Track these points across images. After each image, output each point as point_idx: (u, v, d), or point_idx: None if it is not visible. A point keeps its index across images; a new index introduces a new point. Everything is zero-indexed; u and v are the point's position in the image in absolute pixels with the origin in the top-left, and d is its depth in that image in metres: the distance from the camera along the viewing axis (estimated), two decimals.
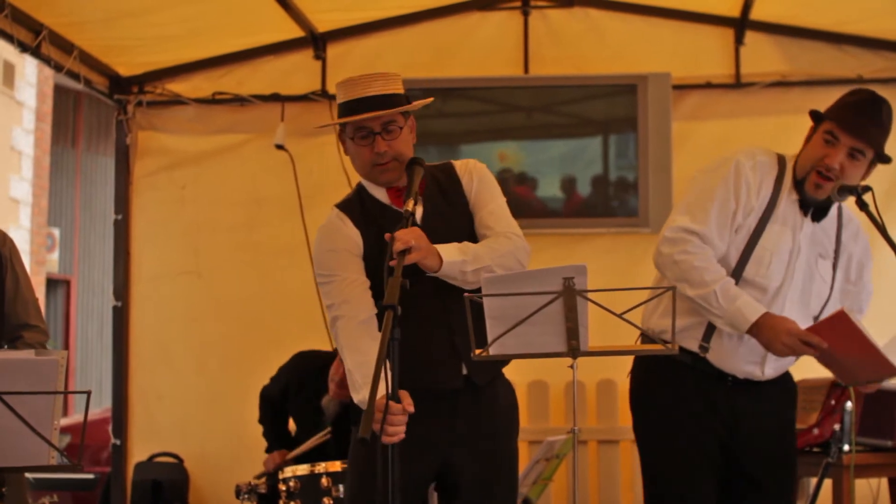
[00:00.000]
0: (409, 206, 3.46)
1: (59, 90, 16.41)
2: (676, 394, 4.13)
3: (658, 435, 4.18)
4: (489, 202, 3.81)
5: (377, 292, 3.66)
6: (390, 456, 3.13)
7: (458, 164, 3.88)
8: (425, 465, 3.68)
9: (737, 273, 4.04)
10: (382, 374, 3.02)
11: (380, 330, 3.48)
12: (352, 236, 3.73)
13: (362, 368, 3.54)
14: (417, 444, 3.44)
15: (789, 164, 4.13)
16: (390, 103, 3.66)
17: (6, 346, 4.39)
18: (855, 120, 4.00)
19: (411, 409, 3.28)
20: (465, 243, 3.65)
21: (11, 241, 4.45)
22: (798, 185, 4.07)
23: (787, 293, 4.08)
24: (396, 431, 3.22)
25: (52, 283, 17.65)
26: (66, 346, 17.66)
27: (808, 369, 5.47)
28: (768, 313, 3.93)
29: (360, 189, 3.85)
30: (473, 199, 3.81)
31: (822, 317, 4.14)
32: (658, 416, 4.19)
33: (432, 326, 3.64)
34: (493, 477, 3.76)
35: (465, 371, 3.69)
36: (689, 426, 4.11)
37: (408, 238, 3.36)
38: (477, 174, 3.85)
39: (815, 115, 4.10)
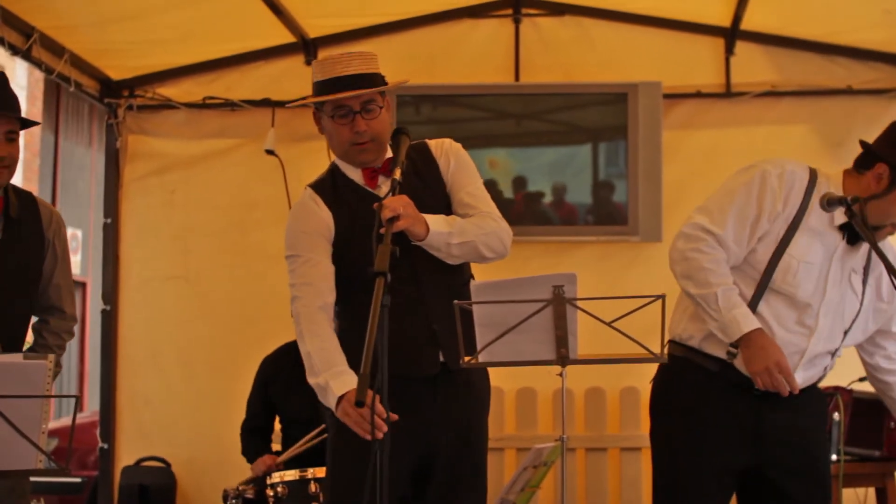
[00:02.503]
0: (397, 174, 3.49)
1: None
2: (700, 402, 4.06)
3: (677, 443, 4.10)
4: (468, 183, 3.82)
5: (346, 274, 3.71)
6: (378, 458, 3.12)
7: (433, 144, 3.88)
8: (408, 454, 3.65)
9: (764, 280, 4.00)
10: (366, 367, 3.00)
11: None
12: (324, 218, 3.74)
13: (322, 353, 3.59)
14: (400, 434, 3.40)
15: (822, 180, 4.07)
16: (370, 82, 3.68)
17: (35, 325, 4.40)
18: None
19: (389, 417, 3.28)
20: (453, 216, 3.68)
21: (58, 224, 4.45)
22: (864, 225, 3.86)
23: (821, 308, 4.02)
24: (380, 426, 3.22)
25: None
26: (81, 350, 17.72)
27: None
28: (761, 331, 3.91)
29: (333, 169, 3.86)
30: (451, 181, 3.82)
31: (852, 330, 4.10)
32: (679, 424, 4.11)
33: (410, 314, 3.64)
34: (467, 460, 3.78)
35: (441, 357, 3.70)
36: (710, 437, 4.05)
37: (396, 205, 3.39)
38: (454, 155, 3.85)
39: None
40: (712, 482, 4.06)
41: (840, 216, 3.99)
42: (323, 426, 5.50)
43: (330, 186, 3.80)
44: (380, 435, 3.18)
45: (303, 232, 3.76)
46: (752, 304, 3.99)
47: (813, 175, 4.08)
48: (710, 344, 4.04)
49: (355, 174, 3.79)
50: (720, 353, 4.03)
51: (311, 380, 3.60)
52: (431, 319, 3.68)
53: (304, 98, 3.78)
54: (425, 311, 3.67)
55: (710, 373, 4.05)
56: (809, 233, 4.01)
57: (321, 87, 3.70)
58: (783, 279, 3.99)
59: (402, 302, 3.57)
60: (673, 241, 4.02)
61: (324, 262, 3.72)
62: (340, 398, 3.51)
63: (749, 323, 3.90)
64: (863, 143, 4.10)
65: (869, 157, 4.05)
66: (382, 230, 3.31)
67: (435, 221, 3.58)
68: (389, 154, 3.78)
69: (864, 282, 4.13)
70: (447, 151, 3.84)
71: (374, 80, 3.70)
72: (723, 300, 3.90)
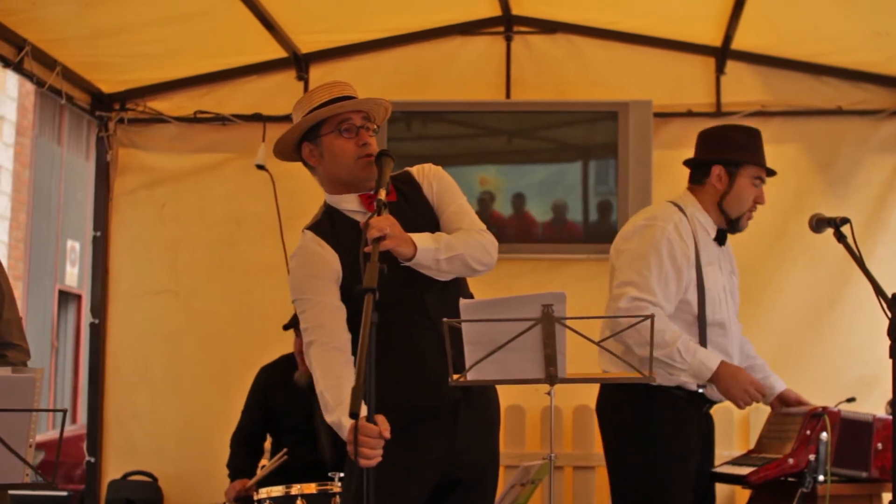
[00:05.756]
0: (382, 195, 3.51)
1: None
2: (678, 424, 4.54)
3: (667, 466, 4.51)
4: (451, 203, 3.86)
5: (356, 315, 3.65)
6: (365, 480, 3.12)
7: (415, 170, 3.92)
8: (430, 477, 3.72)
9: (701, 320, 4.52)
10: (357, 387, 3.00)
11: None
12: (330, 261, 3.72)
13: (334, 391, 3.56)
14: (423, 458, 3.64)
15: (689, 209, 4.64)
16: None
17: None
18: (765, 162, 4.71)
19: (388, 434, 3.28)
20: (439, 233, 3.71)
21: None
22: (731, 222, 4.66)
23: (732, 321, 4.65)
24: (373, 455, 3.22)
25: (67, 298, 17.75)
26: (75, 363, 17.69)
27: None
28: (724, 362, 4.41)
29: (327, 209, 3.86)
30: (436, 202, 3.86)
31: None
32: (666, 448, 4.52)
33: (427, 345, 3.66)
34: (487, 476, 3.88)
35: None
36: (690, 456, 4.59)
37: (382, 225, 3.40)
38: (435, 178, 3.90)
39: (731, 161, 4.64)
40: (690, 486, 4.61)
41: (712, 228, 4.64)
42: (285, 450, 5.51)
43: (328, 226, 3.79)
44: (375, 461, 3.20)
45: (308, 275, 3.74)
46: (702, 343, 4.52)
47: (681, 210, 4.63)
48: (686, 382, 4.52)
49: (352, 202, 3.80)
50: (692, 387, 4.55)
51: (327, 418, 3.59)
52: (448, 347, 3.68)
53: (314, 109, 3.77)
54: (441, 341, 3.60)
55: (678, 398, 4.56)
56: (707, 262, 4.56)
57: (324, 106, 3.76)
58: (713, 311, 4.55)
59: (419, 334, 3.69)
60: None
61: (333, 304, 3.70)
62: None
63: (714, 360, 4.40)
64: (686, 162, 4.77)
65: (701, 167, 4.68)
66: (368, 249, 3.32)
67: (421, 239, 3.59)
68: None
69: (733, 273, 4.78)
70: (428, 175, 3.89)
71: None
72: (685, 351, 4.35)
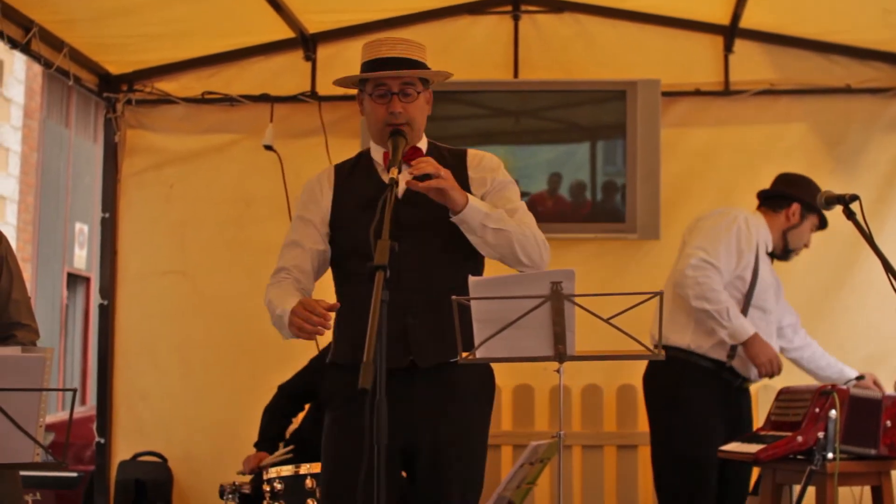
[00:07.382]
0: (394, 174, 3.47)
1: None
2: (707, 396, 5.34)
3: (695, 434, 5.29)
4: (510, 201, 3.81)
5: (343, 247, 3.80)
6: (377, 462, 3.12)
7: (471, 155, 3.90)
8: (392, 438, 3.64)
9: (748, 296, 5.34)
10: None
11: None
12: (322, 206, 3.85)
13: (280, 295, 3.71)
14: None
15: (759, 219, 5.50)
16: (412, 66, 3.76)
17: None
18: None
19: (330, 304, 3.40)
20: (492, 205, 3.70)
21: (7, 240, 4.44)
22: (786, 251, 5.56)
23: (775, 314, 5.52)
24: (313, 330, 3.39)
25: (75, 280, 17.79)
26: (84, 344, 17.74)
27: (791, 377, 5.50)
28: (758, 334, 5.26)
29: (362, 152, 3.95)
30: (492, 193, 3.81)
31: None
32: (693, 417, 5.32)
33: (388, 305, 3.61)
34: (451, 449, 3.73)
35: (410, 353, 3.68)
36: (716, 427, 5.28)
37: (438, 164, 3.47)
38: (490, 174, 3.85)
39: (809, 206, 5.44)
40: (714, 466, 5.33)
41: (770, 246, 5.48)
42: (292, 447, 5.50)
43: (351, 165, 3.90)
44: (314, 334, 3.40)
45: (300, 218, 3.91)
46: (743, 314, 5.33)
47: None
48: (714, 350, 5.32)
49: (378, 154, 3.84)
50: (722, 357, 5.33)
51: (273, 320, 3.69)
52: (406, 314, 3.63)
53: (365, 63, 3.81)
54: (402, 305, 3.55)
55: (708, 370, 5.36)
56: (763, 261, 5.41)
57: (365, 68, 3.78)
58: (759, 297, 5.38)
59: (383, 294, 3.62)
60: (682, 272, 5.26)
61: (315, 249, 3.85)
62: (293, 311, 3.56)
63: (751, 328, 5.26)
64: (772, 191, 5.57)
65: (783, 199, 5.50)
66: (411, 183, 3.46)
67: (476, 199, 3.58)
68: (417, 144, 3.85)
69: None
70: (486, 167, 3.86)
71: (416, 65, 3.78)
72: (731, 312, 5.22)
